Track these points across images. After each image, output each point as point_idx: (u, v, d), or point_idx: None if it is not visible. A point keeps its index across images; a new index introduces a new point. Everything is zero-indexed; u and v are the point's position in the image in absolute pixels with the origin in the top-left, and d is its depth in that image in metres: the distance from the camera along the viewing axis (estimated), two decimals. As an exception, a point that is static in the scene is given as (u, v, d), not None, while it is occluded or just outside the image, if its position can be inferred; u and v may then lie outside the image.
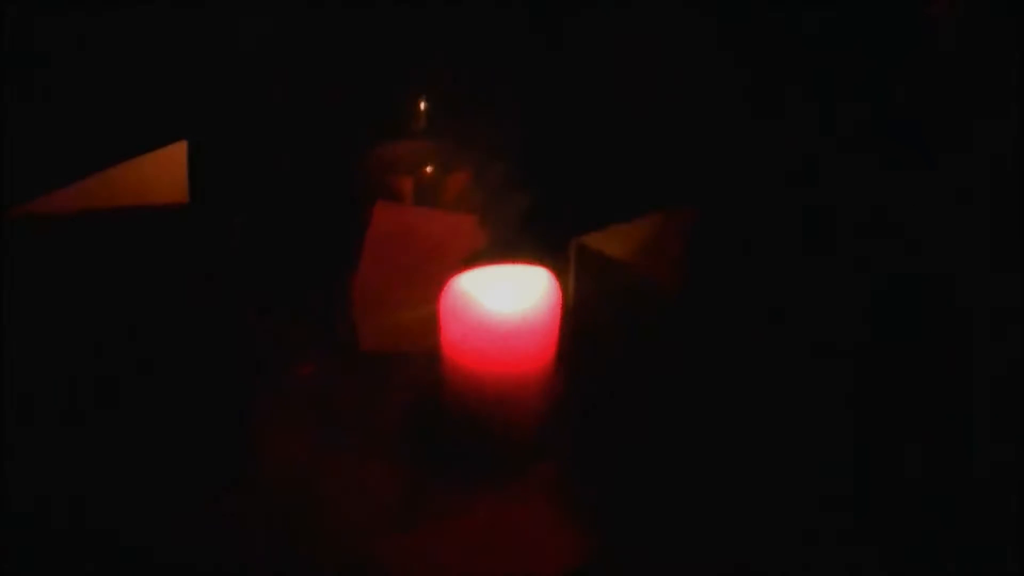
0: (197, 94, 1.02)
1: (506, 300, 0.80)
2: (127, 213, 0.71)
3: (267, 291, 0.97)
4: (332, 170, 1.09)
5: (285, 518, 0.75)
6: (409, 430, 0.87)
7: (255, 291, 0.92)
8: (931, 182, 0.70)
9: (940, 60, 0.67)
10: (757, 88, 0.85)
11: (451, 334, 0.81)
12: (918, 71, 0.69)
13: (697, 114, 0.94)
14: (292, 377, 0.93)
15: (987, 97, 0.67)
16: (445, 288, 0.81)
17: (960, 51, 0.67)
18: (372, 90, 1.10)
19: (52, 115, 0.94)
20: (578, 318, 0.80)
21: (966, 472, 0.67)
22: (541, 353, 0.81)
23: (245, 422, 0.79)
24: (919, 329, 0.68)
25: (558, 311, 0.82)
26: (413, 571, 0.68)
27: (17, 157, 0.87)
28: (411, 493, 0.79)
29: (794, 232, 0.76)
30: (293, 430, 0.86)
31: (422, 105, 1.08)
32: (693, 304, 0.71)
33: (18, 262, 0.69)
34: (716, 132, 0.92)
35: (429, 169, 1.06)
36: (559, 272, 0.82)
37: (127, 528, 0.73)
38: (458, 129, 1.09)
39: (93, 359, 0.73)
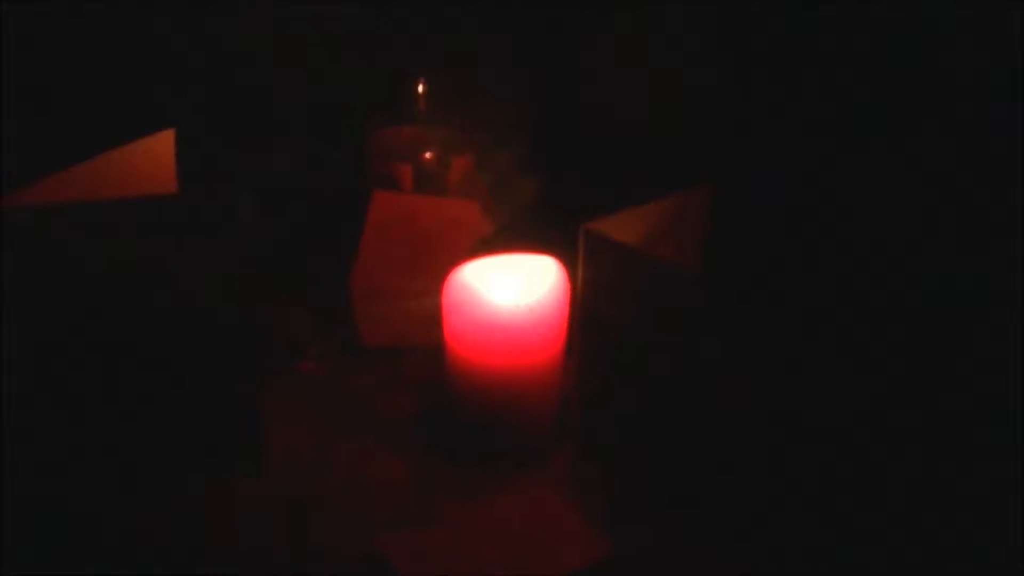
0: (188, 81, 1.00)
1: (512, 291, 0.78)
2: (122, 203, 0.71)
3: (268, 284, 0.97)
4: (329, 159, 1.08)
5: (293, 511, 0.75)
6: (416, 425, 0.86)
7: (257, 283, 0.94)
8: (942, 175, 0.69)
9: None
10: (762, 77, 0.84)
11: (455, 327, 0.79)
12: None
13: (704, 100, 0.94)
14: (296, 372, 0.93)
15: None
16: (448, 279, 0.80)
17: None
18: (370, 74, 1.08)
19: (38, 104, 0.93)
20: (588, 307, 0.78)
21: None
22: (549, 345, 0.79)
23: (256, 414, 0.80)
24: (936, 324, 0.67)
25: (567, 301, 0.80)
26: (420, 564, 0.68)
27: (3, 147, 0.87)
28: (419, 486, 0.79)
29: (806, 219, 0.74)
30: (299, 424, 0.86)
31: (420, 88, 1.06)
32: (706, 290, 0.69)
33: (10, 254, 0.68)
34: (724, 116, 0.91)
35: (429, 155, 1.04)
36: (568, 260, 0.80)
37: (135, 518, 0.73)
38: (463, 113, 1.07)
39: (89, 351, 0.72)
